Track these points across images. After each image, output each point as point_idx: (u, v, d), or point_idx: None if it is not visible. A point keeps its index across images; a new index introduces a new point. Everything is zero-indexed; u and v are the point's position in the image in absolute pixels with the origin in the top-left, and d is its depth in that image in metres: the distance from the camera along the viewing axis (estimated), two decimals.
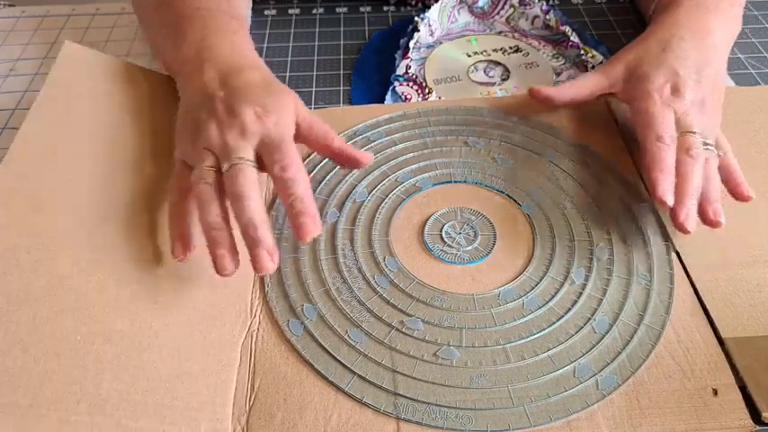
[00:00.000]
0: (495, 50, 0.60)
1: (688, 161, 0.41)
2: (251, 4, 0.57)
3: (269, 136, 0.39)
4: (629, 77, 0.47)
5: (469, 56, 0.59)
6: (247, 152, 0.38)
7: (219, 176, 0.38)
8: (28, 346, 0.35)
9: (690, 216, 0.39)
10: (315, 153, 0.49)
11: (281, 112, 0.41)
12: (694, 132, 0.42)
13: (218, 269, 0.36)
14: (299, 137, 0.43)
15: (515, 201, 0.46)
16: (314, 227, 0.36)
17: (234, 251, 0.36)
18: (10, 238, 0.39)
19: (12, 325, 0.35)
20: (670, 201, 0.39)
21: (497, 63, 0.59)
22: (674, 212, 0.39)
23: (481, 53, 0.60)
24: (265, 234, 0.35)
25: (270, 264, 0.35)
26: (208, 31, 0.46)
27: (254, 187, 0.37)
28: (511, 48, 0.60)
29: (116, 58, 0.51)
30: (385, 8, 0.67)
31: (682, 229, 0.39)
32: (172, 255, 0.38)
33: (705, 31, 0.48)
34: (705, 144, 0.43)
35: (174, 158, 0.43)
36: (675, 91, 0.45)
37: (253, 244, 0.35)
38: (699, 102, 0.44)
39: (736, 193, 0.43)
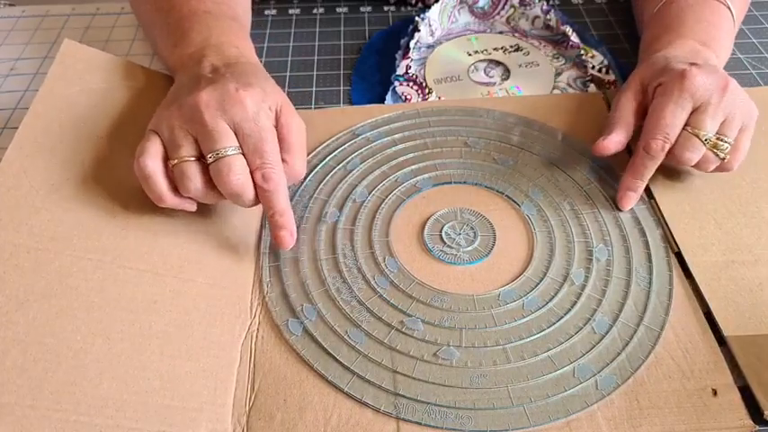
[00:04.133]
0: (495, 49, 0.60)
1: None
2: (250, 8, 0.57)
3: (247, 120, 0.38)
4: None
5: (470, 54, 0.59)
6: (229, 140, 0.38)
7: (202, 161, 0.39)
8: (27, 347, 0.34)
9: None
10: (321, 147, 0.50)
11: (264, 86, 0.40)
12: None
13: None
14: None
15: (515, 201, 0.46)
16: (291, 240, 0.40)
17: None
18: (9, 237, 0.38)
19: (11, 325, 0.35)
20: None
21: (498, 63, 0.59)
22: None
23: (482, 52, 0.60)
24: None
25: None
26: (211, 32, 0.47)
27: (245, 179, 0.38)
28: (511, 46, 0.60)
29: (115, 56, 0.51)
30: (385, 8, 0.67)
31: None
32: (157, 203, 0.40)
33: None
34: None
35: (147, 132, 0.41)
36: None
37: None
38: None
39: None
